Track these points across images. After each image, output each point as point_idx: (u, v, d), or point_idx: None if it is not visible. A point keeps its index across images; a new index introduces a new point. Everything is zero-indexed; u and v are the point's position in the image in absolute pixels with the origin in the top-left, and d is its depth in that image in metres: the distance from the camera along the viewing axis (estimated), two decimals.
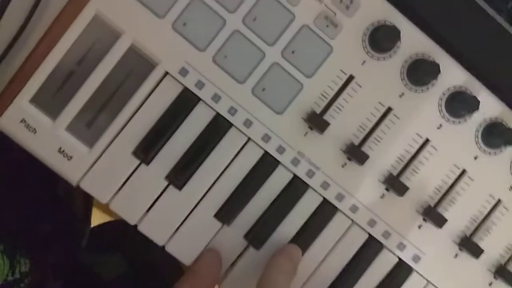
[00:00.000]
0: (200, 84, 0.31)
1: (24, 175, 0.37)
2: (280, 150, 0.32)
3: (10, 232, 0.35)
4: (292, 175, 0.32)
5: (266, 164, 0.32)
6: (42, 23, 0.33)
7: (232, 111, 0.31)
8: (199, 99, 0.31)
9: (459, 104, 0.31)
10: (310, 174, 0.32)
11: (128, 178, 0.31)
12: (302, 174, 0.32)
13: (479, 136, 0.32)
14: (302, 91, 0.31)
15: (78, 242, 0.46)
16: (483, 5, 0.34)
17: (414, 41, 0.32)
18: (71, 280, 0.42)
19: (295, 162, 0.32)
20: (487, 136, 0.32)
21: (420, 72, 0.31)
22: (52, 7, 0.34)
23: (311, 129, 0.32)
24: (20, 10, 0.33)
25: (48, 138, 0.31)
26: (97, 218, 0.53)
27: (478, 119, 0.32)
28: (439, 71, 0.31)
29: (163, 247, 0.32)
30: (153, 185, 0.31)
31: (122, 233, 0.57)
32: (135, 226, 0.32)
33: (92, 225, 0.50)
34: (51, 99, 0.31)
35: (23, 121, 0.30)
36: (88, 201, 0.47)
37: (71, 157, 0.31)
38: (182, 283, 0.30)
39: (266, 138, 0.32)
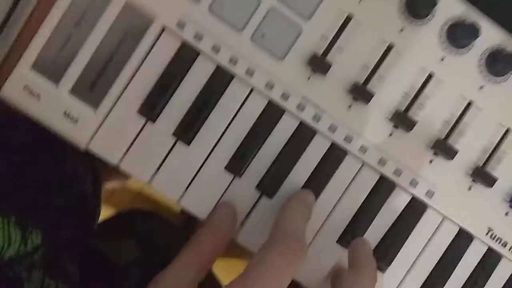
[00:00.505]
0: (198, 36, 0.31)
1: (31, 154, 0.37)
2: (285, 96, 0.32)
3: (21, 206, 0.35)
4: (298, 121, 0.32)
5: (272, 112, 0.32)
6: None
7: (233, 61, 0.31)
8: (199, 51, 0.31)
9: (459, 34, 0.31)
10: (317, 118, 0.32)
11: (136, 137, 0.31)
12: (308, 119, 0.32)
13: (484, 64, 0.32)
14: (302, 34, 0.31)
15: (89, 223, 0.46)
16: None
17: None
18: (84, 262, 0.42)
19: (301, 107, 0.32)
20: (491, 64, 0.32)
21: (417, 5, 0.31)
22: None
23: (314, 72, 0.31)
24: None
25: (52, 103, 0.31)
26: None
27: (480, 47, 0.32)
28: (436, 5, 0.31)
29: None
30: (161, 142, 0.32)
31: (134, 220, 0.57)
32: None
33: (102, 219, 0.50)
34: (52, 64, 0.31)
35: (25, 88, 0.31)
36: (97, 181, 0.47)
37: (77, 120, 0.31)
38: (199, 237, 0.30)
39: (270, 85, 0.31)
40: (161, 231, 0.55)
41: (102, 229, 0.49)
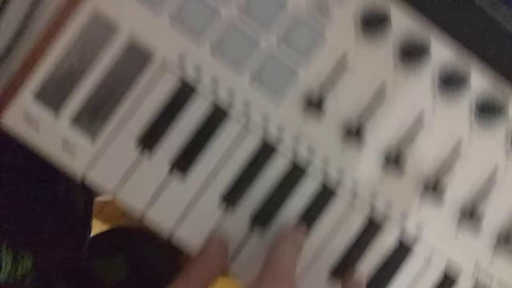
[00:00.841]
0: (198, 76, 0.32)
1: (24, 177, 0.38)
2: (279, 137, 0.32)
3: (13, 230, 0.35)
4: (292, 158, 0.33)
5: (266, 150, 0.33)
6: (41, 23, 0.34)
7: (230, 101, 0.32)
8: (197, 87, 0.32)
9: (451, 83, 0.32)
10: (310, 158, 0.33)
11: (132, 168, 0.32)
12: (301, 159, 0.33)
13: (473, 113, 0.33)
14: (299, 79, 0.32)
15: (80, 244, 0.46)
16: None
17: (404, 22, 0.33)
18: (74, 283, 0.43)
19: (294, 148, 0.32)
20: (480, 114, 0.33)
21: (411, 55, 0.32)
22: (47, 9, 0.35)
23: (309, 114, 0.32)
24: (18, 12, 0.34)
25: (51, 131, 0.31)
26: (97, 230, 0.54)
27: (470, 95, 0.33)
28: (429, 53, 0.32)
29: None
30: (157, 173, 0.32)
31: (123, 238, 0.58)
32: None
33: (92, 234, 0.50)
34: (53, 94, 0.31)
35: (26, 116, 0.31)
36: (88, 204, 0.48)
37: (74, 149, 0.31)
38: (190, 271, 0.31)
39: (265, 126, 0.32)
40: (150, 249, 0.55)
41: (91, 246, 0.49)
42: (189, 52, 0.32)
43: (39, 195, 0.39)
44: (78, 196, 0.43)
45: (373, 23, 0.32)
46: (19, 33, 0.33)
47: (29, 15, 0.34)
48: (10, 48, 0.33)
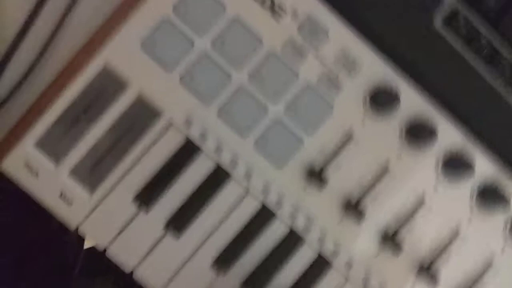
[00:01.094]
0: (203, 136, 0.32)
1: (17, 216, 0.37)
2: (279, 203, 0.32)
3: (6, 265, 0.35)
4: (289, 228, 0.32)
5: (265, 216, 0.32)
6: (50, 68, 0.35)
7: (234, 163, 0.32)
8: (201, 150, 0.32)
9: (454, 166, 0.32)
10: (307, 228, 0.32)
11: (127, 224, 0.32)
12: (299, 228, 0.32)
13: (475, 197, 0.33)
14: (303, 147, 0.32)
15: (71, 270, 0.46)
16: (483, 70, 0.35)
17: (412, 103, 0.33)
18: None
19: (293, 215, 0.32)
20: (482, 198, 0.33)
21: (418, 135, 0.32)
22: (58, 53, 0.35)
23: (310, 184, 0.32)
24: (28, 54, 0.34)
25: (50, 182, 0.31)
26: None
27: (474, 180, 0.33)
28: (436, 135, 0.32)
29: None
30: (151, 232, 0.32)
31: (108, 258, 0.57)
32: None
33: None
34: (55, 144, 0.31)
35: (26, 164, 0.31)
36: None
37: (71, 202, 0.31)
38: None
39: (265, 190, 0.32)
40: None
41: (82, 264, 0.49)
42: (196, 113, 0.31)
43: (34, 231, 0.39)
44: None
45: (382, 99, 0.32)
46: (25, 77, 0.34)
47: (37, 61, 0.34)
48: (13, 91, 0.33)
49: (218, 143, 0.32)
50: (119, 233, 0.32)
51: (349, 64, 0.32)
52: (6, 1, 0.35)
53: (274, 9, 0.32)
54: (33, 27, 0.34)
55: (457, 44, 0.35)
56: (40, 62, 0.34)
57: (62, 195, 0.31)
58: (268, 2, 0.32)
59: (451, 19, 0.35)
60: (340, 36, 0.32)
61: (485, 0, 0.35)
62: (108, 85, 0.31)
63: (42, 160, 0.31)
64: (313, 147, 0.32)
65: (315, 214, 0.32)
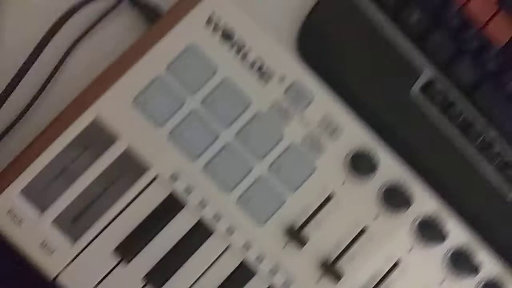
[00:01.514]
0: (188, 190, 0.32)
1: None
2: (259, 259, 0.33)
3: None
4: (268, 285, 0.33)
5: (245, 272, 0.33)
6: (42, 114, 0.35)
7: (216, 218, 0.33)
8: (185, 204, 0.32)
9: (429, 231, 0.34)
10: (286, 286, 0.33)
11: (106, 276, 0.32)
12: (277, 286, 0.33)
13: (447, 263, 0.34)
14: (285, 205, 0.33)
15: None
16: (456, 138, 0.38)
17: (390, 168, 0.34)
18: None
19: (272, 273, 0.33)
20: (453, 264, 0.34)
21: (394, 200, 0.33)
22: (52, 100, 0.36)
23: (290, 242, 0.33)
24: (22, 98, 0.35)
25: (32, 230, 0.31)
26: None
27: (448, 246, 0.34)
28: (411, 201, 0.33)
29: None
30: (130, 285, 0.32)
31: None
32: None
33: None
34: (41, 192, 0.31)
35: (10, 211, 0.31)
36: None
37: (52, 251, 0.31)
38: None
39: (246, 246, 0.33)
40: None
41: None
42: (182, 168, 0.32)
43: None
44: None
45: (360, 164, 0.33)
46: (15, 122, 0.34)
47: (28, 106, 0.35)
48: (3, 135, 0.34)
49: (202, 198, 0.32)
50: (98, 284, 0.32)
51: (331, 128, 0.34)
52: (5, 43, 0.36)
53: (262, 73, 0.33)
54: (30, 71, 0.35)
55: (432, 112, 0.38)
56: (33, 108, 0.35)
57: (43, 244, 0.31)
58: (257, 66, 0.33)
59: (428, 88, 0.38)
60: (324, 102, 0.34)
61: (461, 72, 0.37)
62: (97, 137, 0.32)
63: (26, 208, 0.31)
64: (294, 206, 0.33)
65: (294, 272, 0.33)
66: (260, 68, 0.33)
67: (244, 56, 0.33)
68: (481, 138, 0.37)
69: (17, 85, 0.35)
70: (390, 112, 0.38)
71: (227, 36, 0.33)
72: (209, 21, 0.33)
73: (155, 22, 0.35)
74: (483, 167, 0.38)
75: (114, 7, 0.36)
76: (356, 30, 0.37)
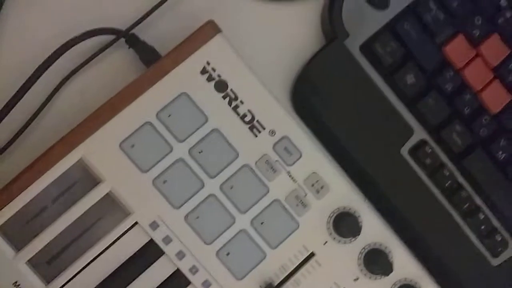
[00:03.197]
0: (167, 240, 0.32)
1: None
2: None
3: None
4: None
5: None
6: (26, 150, 0.35)
7: (194, 269, 0.32)
8: (164, 253, 0.32)
9: None
10: None
11: None
12: None
13: None
14: (264, 261, 0.33)
15: None
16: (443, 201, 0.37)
17: (374, 231, 0.34)
18: None
19: None
20: None
21: (374, 263, 0.33)
22: (38, 135, 0.36)
23: None
24: (7, 131, 0.35)
25: (6, 270, 0.31)
26: None
27: None
28: (392, 265, 0.33)
29: None
30: None
31: None
32: None
33: None
34: (19, 231, 0.31)
35: None
36: None
37: None
38: None
39: None
40: None
41: None
42: (164, 216, 0.32)
43: None
44: None
45: (344, 224, 0.33)
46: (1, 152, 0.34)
47: (12, 141, 0.35)
48: None
49: (180, 249, 0.32)
50: None
51: (318, 186, 0.34)
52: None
53: (253, 125, 0.33)
54: (21, 102, 0.35)
55: (420, 174, 0.38)
56: (20, 139, 0.35)
57: (16, 284, 0.31)
58: (248, 118, 0.33)
59: (418, 149, 0.37)
60: (312, 159, 0.34)
61: (452, 137, 0.37)
62: (80, 178, 0.32)
63: (2, 246, 0.31)
64: (274, 262, 0.33)
65: None
66: (250, 121, 0.33)
67: (236, 108, 0.33)
68: (466, 205, 0.37)
69: (6, 116, 0.35)
70: (379, 169, 0.37)
71: (220, 86, 0.33)
72: (203, 70, 0.33)
73: (150, 64, 0.35)
74: (467, 232, 0.38)
75: (110, 44, 0.36)
76: (351, 85, 0.37)
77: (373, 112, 0.37)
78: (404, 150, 0.37)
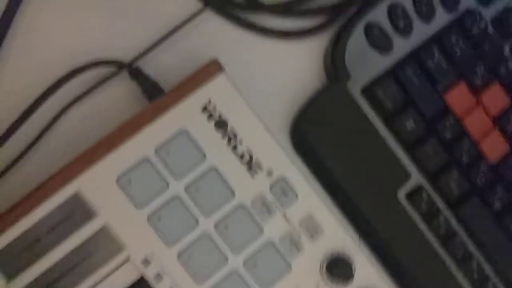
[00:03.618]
0: (159, 277, 0.32)
1: None
2: None
3: None
4: None
5: None
6: (23, 177, 0.35)
7: None
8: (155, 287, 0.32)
9: None
10: None
11: None
12: None
13: None
14: None
15: None
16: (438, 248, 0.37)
17: (367, 276, 0.34)
18: None
19: None
20: None
21: None
22: (35, 164, 0.36)
23: None
24: (3, 159, 0.35)
25: None
26: None
27: None
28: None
29: None
30: None
31: None
32: None
33: None
34: (11, 261, 0.31)
35: None
36: None
37: None
38: None
39: None
40: None
41: None
42: (156, 255, 0.32)
43: None
44: None
45: (337, 269, 0.33)
46: None
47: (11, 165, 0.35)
48: None
49: (172, 287, 0.32)
50: None
51: (312, 229, 0.34)
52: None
53: (251, 165, 0.33)
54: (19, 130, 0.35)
55: (417, 218, 0.38)
56: (16, 167, 0.35)
57: None
58: (246, 158, 0.33)
59: (414, 194, 0.37)
60: (309, 201, 0.34)
61: (449, 184, 0.37)
62: (75, 212, 0.31)
63: None
64: None
65: None
66: (249, 160, 0.33)
67: (235, 147, 0.33)
68: (461, 252, 0.37)
69: (5, 142, 0.35)
70: (375, 211, 0.37)
71: (220, 125, 0.33)
72: (205, 108, 0.33)
73: (152, 98, 0.35)
74: (460, 280, 0.37)
75: (113, 75, 0.36)
76: (351, 127, 0.37)
77: (372, 154, 0.37)
78: (401, 194, 0.38)
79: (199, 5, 0.38)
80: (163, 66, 0.37)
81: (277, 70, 0.39)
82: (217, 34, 0.39)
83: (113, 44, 0.37)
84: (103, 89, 0.37)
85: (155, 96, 0.34)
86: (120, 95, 0.37)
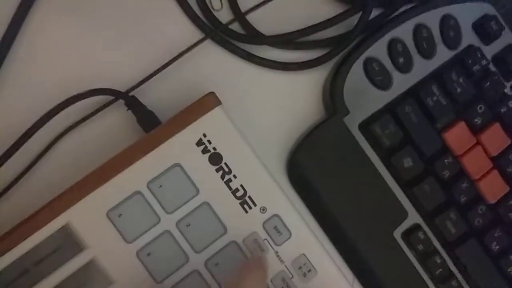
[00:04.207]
0: None
1: None
2: None
3: None
4: None
5: None
6: (14, 205, 0.35)
7: None
8: None
9: None
10: None
11: None
12: None
13: None
14: None
15: None
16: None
17: None
18: None
19: None
20: None
21: None
22: (27, 192, 0.35)
23: None
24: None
25: None
26: None
27: None
28: None
29: None
30: None
31: None
32: None
33: None
34: None
35: None
36: None
37: None
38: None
39: None
40: None
41: None
42: None
43: None
44: None
45: None
46: None
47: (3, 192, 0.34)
48: None
49: None
50: None
51: (305, 268, 0.33)
52: None
53: (245, 200, 0.33)
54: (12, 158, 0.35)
55: (412, 258, 0.37)
56: (7, 194, 0.35)
57: None
58: (240, 193, 0.33)
59: (410, 233, 0.37)
60: (302, 241, 0.33)
61: (446, 224, 0.37)
62: (64, 244, 0.31)
63: None
64: None
65: None
66: (242, 196, 0.33)
67: (229, 182, 0.33)
68: None
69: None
70: (370, 249, 0.37)
71: (214, 159, 0.32)
72: (199, 142, 0.32)
73: (147, 128, 0.34)
74: None
75: (108, 104, 0.36)
76: (348, 162, 0.37)
77: (369, 191, 0.37)
78: (397, 233, 0.37)
79: (199, 35, 0.38)
80: (161, 96, 0.37)
81: (275, 102, 0.39)
82: (216, 65, 0.39)
83: (112, 73, 0.37)
84: (99, 117, 0.36)
85: (151, 126, 0.34)
86: (115, 124, 0.36)
